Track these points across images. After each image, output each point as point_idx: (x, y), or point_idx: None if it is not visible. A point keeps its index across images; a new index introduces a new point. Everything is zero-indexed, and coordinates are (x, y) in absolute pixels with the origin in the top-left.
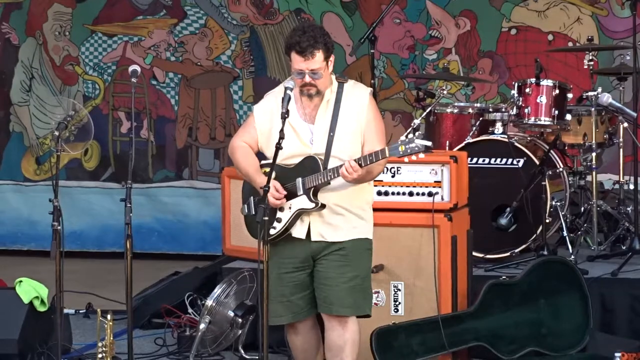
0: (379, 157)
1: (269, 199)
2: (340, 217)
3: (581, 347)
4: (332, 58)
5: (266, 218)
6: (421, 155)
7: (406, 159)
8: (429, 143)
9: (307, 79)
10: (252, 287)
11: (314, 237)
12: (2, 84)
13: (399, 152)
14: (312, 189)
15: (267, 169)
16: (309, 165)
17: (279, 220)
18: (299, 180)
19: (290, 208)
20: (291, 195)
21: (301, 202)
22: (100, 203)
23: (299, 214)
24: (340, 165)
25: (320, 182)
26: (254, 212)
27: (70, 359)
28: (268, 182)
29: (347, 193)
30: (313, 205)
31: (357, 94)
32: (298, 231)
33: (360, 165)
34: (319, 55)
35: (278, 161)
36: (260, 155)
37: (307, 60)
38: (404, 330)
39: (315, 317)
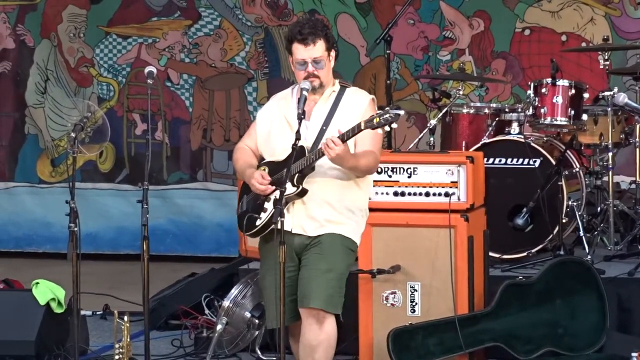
0: (355, 131)
1: (254, 184)
2: (324, 212)
3: (598, 347)
4: (333, 53)
5: (283, 219)
6: (394, 126)
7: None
8: (402, 111)
9: (310, 68)
10: None
11: (295, 230)
12: (17, 85)
13: (373, 124)
14: (297, 174)
15: (262, 167)
16: (296, 155)
17: (265, 210)
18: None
19: (276, 197)
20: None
21: (286, 189)
22: (115, 205)
23: (284, 202)
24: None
25: (304, 165)
26: (244, 208)
27: None
28: (276, 183)
29: (335, 188)
30: (295, 189)
31: (358, 96)
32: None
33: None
34: (321, 43)
35: (273, 158)
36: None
37: (308, 47)
38: (420, 330)
39: None
